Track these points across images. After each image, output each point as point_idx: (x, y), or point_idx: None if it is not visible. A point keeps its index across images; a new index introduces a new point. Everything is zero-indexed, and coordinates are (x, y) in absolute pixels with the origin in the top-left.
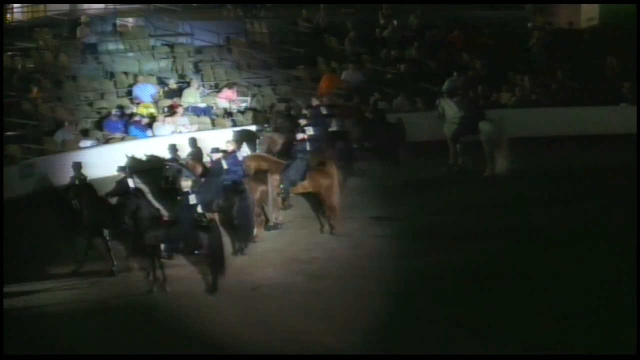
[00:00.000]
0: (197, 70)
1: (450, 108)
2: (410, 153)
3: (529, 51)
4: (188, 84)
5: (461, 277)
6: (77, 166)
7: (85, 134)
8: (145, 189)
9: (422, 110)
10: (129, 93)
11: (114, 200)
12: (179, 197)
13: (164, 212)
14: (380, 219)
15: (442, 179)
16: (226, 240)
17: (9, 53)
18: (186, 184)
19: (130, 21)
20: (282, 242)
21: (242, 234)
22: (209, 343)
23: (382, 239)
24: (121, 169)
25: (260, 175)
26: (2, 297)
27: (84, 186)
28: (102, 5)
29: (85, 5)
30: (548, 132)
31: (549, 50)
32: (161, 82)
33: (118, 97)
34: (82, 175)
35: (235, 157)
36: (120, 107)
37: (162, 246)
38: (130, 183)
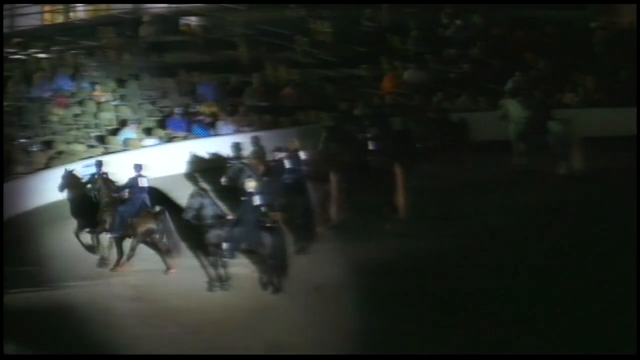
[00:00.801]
0: (259, 68)
1: (514, 108)
2: (473, 153)
3: (592, 51)
4: (250, 83)
5: (524, 278)
6: (99, 163)
7: (148, 132)
8: (208, 187)
9: (485, 110)
10: (192, 92)
11: (124, 195)
12: (241, 197)
13: (227, 211)
14: (443, 219)
15: (505, 180)
16: (289, 239)
17: (73, 52)
18: (250, 183)
19: (193, 20)
20: (344, 242)
21: (305, 233)
22: (272, 343)
23: (445, 238)
24: (136, 167)
25: (323, 174)
26: (2, 297)
27: (102, 181)
28: (165, 4)
29: (149, 4)
30: (611, 132)
31: (612, 50)
32: (224, 80)
33: (181, 95)
34: (103, 172)
35: (298, 155)
36: (183, 106)
37: (225, 245)
38: (143, 182)
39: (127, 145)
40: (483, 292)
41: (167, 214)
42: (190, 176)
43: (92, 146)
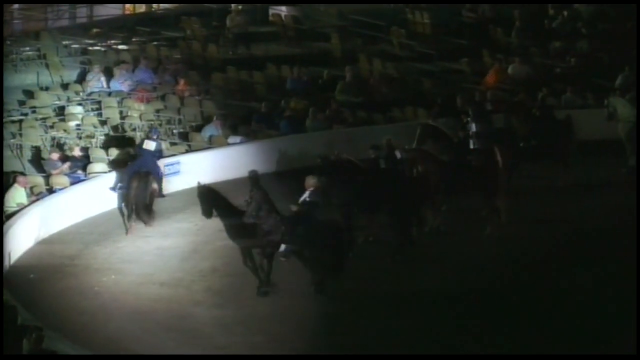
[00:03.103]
0: (353, 61)
1: (623, 106)
2: (580, 152)
3: None
4: (343, 77)
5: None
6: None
7: (234, 129)
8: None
9: (593, 107)
10: (281, 86)
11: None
12: (306, 197)
13: (287, 213)
14: (548, 222)
15: (614, 181)
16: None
17: (155, 43)
18: (310, 181)
19: (283, 10)
20: (441, 247)
21: (399, 236)
22: (361, 351)
23: (550, 243)
24: (150, 130)
25: (419, 174)
26: (2, 296)
27: None
28: None
29: None
30: None
31: None
32: (315, 74)
33: (268, 90)
34: None
35: (394, 154)
36: (271, 102)
37: (282, 247)
38: (149, 145)
39: (211, 143)
40: (589, 298)
41: (146, 180)
42: (277, 175)
43: (174, 143)
